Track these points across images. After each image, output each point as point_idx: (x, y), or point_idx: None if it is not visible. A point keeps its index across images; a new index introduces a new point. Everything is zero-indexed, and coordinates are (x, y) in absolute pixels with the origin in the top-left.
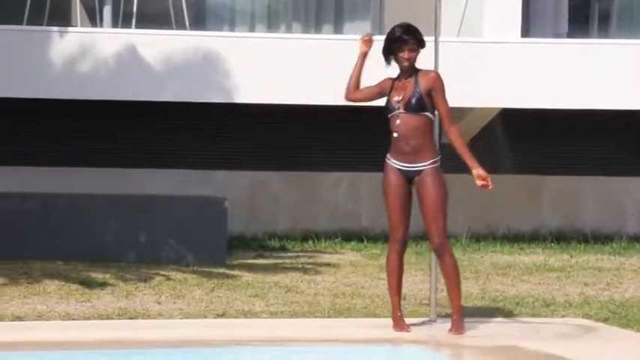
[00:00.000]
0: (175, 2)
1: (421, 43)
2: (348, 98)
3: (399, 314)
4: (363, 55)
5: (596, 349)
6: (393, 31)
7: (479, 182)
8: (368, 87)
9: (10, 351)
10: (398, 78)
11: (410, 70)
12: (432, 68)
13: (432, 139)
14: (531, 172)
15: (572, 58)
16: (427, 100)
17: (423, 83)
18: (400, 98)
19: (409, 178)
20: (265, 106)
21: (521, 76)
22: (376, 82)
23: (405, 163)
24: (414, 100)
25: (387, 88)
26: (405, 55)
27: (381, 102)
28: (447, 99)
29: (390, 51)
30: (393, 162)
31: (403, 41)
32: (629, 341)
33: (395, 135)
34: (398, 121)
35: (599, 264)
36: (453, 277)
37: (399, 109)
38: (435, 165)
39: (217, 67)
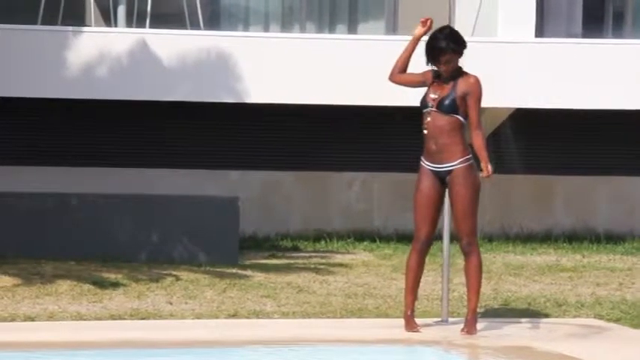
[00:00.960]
0: (189, 2)
1: (460, 51)
2: (390, 79)
3: (409, 314)
4: (417, 39)
5: (608, 349)
6: (434, 38)
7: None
8: (412, 73)
9: (21, 351)
10: (439, 76)
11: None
12: None
13: (461, 139)
14: (544, 172)
15: (586, 58)
16: (461, 103)
17: (461, 87)
18: (436, 97)
19: (441, 178)
20: (279, 105)
21: (534, 77)
22: (421, 71)
23: (434, 163)
24: (446, 102)
25: (428, 80)
26: (441, 67)
27: (397, 102)
28: (480, 105)
29: (430, 56)
30: (425, 163)
31: (441, 51)
32: None
33: (425, 132)
34: (429, 119)
35: (612, 264)
36: (474, 279)
37: (432, 106)
38: (466, 164)
39: (231, 67)
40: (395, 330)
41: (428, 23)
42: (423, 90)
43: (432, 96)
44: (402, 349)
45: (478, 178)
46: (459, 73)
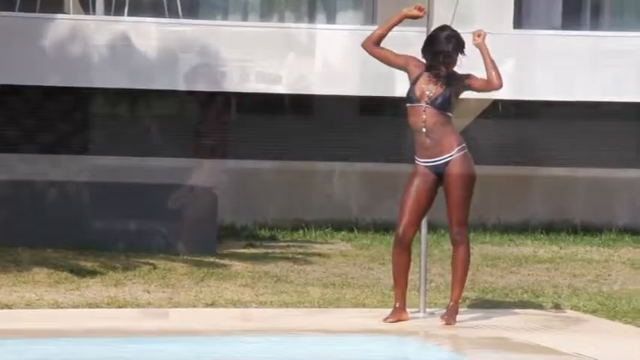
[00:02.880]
0: None
1: (463, 51)
2: (363, 46)
3: (397, 306)
4: (402, 17)
5: (585, 340)
6: (438, 42)
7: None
8: (392, 52)
9: None
10: (430, 68)
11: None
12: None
13: (454, 130)
14: (522, 163)
15: (565, 50)
16: (455, 100)
17: (458, 85)
18: (430, 93)
19: (438, 173)
20: (257, 95)
21: (513, 68)
22: (404, 54)
23: (431, 158)
24: (440, 99)
25: (413, 70)
26: (441, 67)
27: (376, 92)
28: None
29: (432, 57)
30: (420, 162)
31: (445, 56)
32: (617, 333)
33: (423, 130)
34: (423, 115)
35: (589, 256)
36: (460, 270)
37: (426, 102)
38: (462, 152)
39: (210, 56)
40: (372, 320)
41: (422, 13)
42: (401, 73)
43: (427, 93)
44: (379, 339)
45: (473, 168)
46: (453, 71)
